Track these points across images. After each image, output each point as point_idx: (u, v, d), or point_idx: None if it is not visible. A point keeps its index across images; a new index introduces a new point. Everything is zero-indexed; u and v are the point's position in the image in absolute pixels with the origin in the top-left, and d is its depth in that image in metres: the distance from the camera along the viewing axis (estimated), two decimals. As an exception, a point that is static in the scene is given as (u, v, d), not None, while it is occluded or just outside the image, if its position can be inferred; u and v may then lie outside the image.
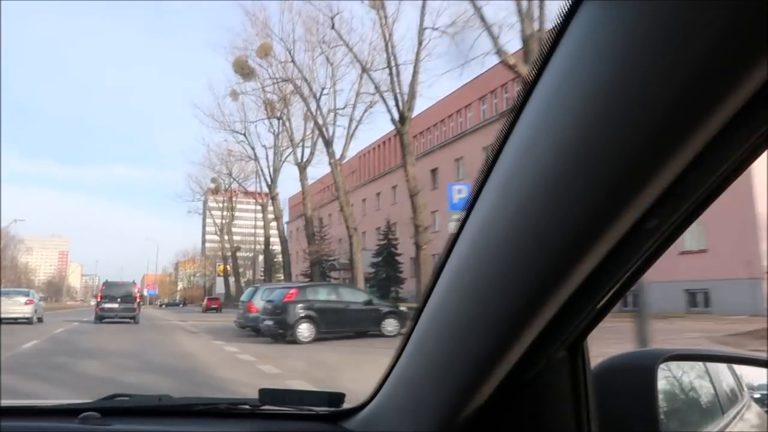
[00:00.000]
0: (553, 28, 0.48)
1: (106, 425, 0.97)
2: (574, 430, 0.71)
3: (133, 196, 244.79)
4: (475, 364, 0.68)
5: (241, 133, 39.06)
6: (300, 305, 11.89)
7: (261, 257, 63.37)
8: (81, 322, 20.83)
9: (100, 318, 20.60)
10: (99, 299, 21.41)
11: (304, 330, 11.71)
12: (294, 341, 11.54)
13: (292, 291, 12.37)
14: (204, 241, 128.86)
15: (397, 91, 21.11)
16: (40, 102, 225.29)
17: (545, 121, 0.51)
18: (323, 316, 11.86)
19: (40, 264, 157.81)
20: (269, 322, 12.20)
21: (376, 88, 22.65)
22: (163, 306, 79.25)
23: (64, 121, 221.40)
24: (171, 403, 1.11)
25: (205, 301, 48.29)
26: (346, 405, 1.04)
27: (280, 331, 11.89)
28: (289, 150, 35.89)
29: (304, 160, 33.66)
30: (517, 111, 0.55)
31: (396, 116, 21.34)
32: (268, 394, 1.06)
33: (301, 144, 34.03)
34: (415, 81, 21.14)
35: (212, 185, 52.81)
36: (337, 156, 27.35)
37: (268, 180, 39.72)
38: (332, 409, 1.04)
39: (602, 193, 0.47)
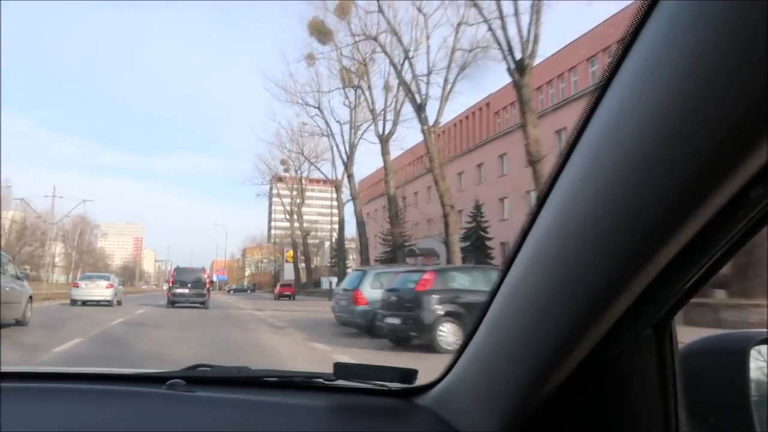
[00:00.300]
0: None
1: (191, 392, 1.04)
2: (660, 413, 0.69)
3: (202, 183, 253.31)
4: (554, 343, 0.65)
5: (314, 107, 36.39)
6: (438, 296, 8.37)
7: (327, 243, 63.75)
8: (155, 306, 21.57)
9: (172, 302, 20.95)
10: (170, 284, 22.01)
11: (448, 333, 8.14)
12: (432, 348, 8.06)
13: (427, 276, 8.64)
14: (270, 227, 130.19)
15: (510, 36, 17.31)
16: (117, 95, 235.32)
17: (637, 93, 0.50)
18: (471, 313, 8.26)
19: (116, 249, 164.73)
20: (393, 320, 8.73)
21: (488, 26, 18.66)
22: (231, 291, 79.14)
23: (137, 113, 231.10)
24: (249, 374, 1.18)
25: (278, 287, 45.25)
26: (418, 382, 1.05)
27: (412, 334, 8.51)
28: (366, 124, 33.65)
29: (386, 132, 30.51)
30: (605, 84, 0.54)
31: (512, 65, 17.61)
32: (342, 369, 1.08)
33: (382, 114, 30.86)
34: (538, 20, 17.25)
35: (282, 167, 50.83)
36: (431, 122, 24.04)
37: (344, 157, 36.87)
38: (405, 385, 1.06)
39: (700, 163, 0.44)
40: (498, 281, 0.76)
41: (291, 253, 63.31)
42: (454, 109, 43.81)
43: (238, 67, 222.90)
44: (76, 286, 21.60)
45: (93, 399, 1.02)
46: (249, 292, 78.86)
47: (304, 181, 56.05)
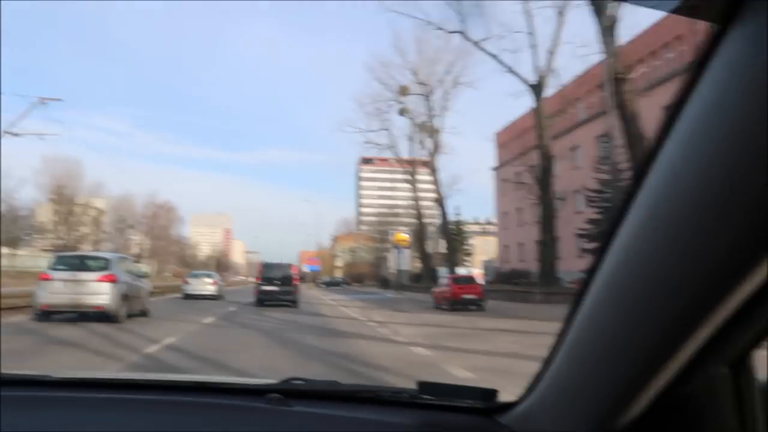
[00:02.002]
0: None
1: (288, 406, 1.16)
2: None
3: (288, 175, 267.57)
4: (628, 375, 0.69)
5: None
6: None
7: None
8: (243, 305, 21.86)
9: (261, 301, 21.16)
10: (258, 281, 22.27)
11: None
12: None
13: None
14: (359, 214, 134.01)
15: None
16: (207, 94, 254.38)
17: (717, 111, 0.52)
18: None
19: (205, 240, 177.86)
20: None
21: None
22: (323, 285, 73.48)
23: (226, 111, 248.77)
24: (340, 389, 1.32)
25: (450, 284, 22.54)
26: (500, 401, 1.14)
27: None
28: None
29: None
30: (682, 100, 0.56)
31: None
32: (426, 386, 1.22)
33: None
34: None
35: (401, 97, 46.09)
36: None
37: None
38: (486, 403, 1.16)
39: None
40: (575, 304, 0.81)
41: (401, 236, 54.59)
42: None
43: (321, 62, 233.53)
44: (187, 282, 26.71)
45: (194, 411, 1.18)
46: (344, 286, 73.82)
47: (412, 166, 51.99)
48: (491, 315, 18.26)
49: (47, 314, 12.16)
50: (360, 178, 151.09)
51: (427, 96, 44.65)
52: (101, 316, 11.99)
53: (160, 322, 12.95)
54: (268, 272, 21.97)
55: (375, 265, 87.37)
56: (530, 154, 33.17)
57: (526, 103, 34.87)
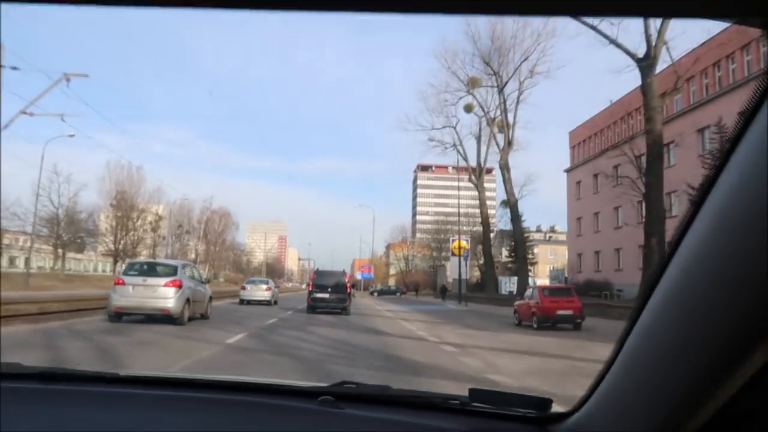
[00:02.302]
0: None
1: (339, 408, 1.21)
2: None
3: (343, 183, 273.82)
4: (688, 386, 0.68)
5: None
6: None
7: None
8: (295, 311, 22.53)
9: (313, 308, 21.51)
10: (310, 288, 22.39)
11: None
12: None
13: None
14: (414, 222, 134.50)
15: None
16: (270, 106, 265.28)
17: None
18: None
19: (261, 247, 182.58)
20: None
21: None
22: (376, 294, 73.11)
23: (287, 122, 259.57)
24: (391, 393, 1.37)
25: (539, 297, 17.86)
26: (553, 410, 1.14)
27: None
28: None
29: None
30: (757, 105, 0.56)
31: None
32: (477, 394, 1.24)
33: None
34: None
35: (471, 89, 43.92)
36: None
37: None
38: (539, 412, 1.17)
39: None
40: (635, 313, 0.82)
41: (460, 243, 54.29)
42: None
43: (375, 75, 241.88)
44: (244, 288, 29.06)
45: (247, 410, 1.24)
46: (398, 295, 71.37)
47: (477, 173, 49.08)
48: (597, 337, 13.71)
49: (119, 316, 13.46)
50: (417, 186, 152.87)
51: (499, 88, 42.35)
52: (166, 318, 13.22)
53: (218, 325, 14.04)
54: (321, 279, 22.16)
55: (430, 273, 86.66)
56: (612, 153, 31.17)
57: (613, 88, 33.30)
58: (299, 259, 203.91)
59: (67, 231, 53.40)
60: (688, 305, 0.67)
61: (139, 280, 13.51)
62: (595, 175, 40.50)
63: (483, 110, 44.25)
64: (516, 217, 42.34)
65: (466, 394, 1.27)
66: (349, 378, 1.52)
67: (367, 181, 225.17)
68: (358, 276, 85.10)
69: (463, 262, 48.92)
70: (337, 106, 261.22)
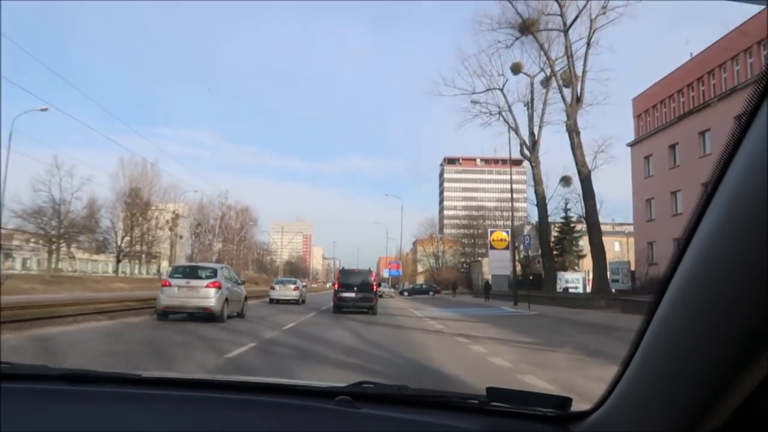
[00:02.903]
0: None
1: (356, 408, 1.28)
2: None
3: (369, 182, 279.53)
4: (708, 384, 0.71)
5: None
6: None
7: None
8: (319, 312, 22.37)
9: (339, 308, 21.77)
10: (336, 288, 22.60)
11: None
12: None
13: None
14: (441, 218, 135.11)
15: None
16: (292, 107, 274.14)
17: None
18: None
19: (285, 246, 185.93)
20: None
21: None
22: (405, 293, 67.83)
23: (310, 122, 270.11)
24: (409, 393, 1.42)
25: None
26: (573, 409, 1.19)
27: None
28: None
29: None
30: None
31: None
32: (495, 393, 1.28)
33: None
34: None
35: (526, 32, 36.36)
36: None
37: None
38: (558, 411, 1.21)
39: None
40: (649, 312, 0.83)
41: (500, 234, 47.72)
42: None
43: (397, 72, 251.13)
44: (273, 288, 31.66)
45: (266, 410, 1.32)
46: (432, 294, 65.01)
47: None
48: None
49: (166, 314, 15.55)
50: (443, 180, 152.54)
51: (565, 27, 34.52)
52: (207, 316, 15.27)
53: (253, 322, 16.01)
54: (347, 278, 22.43)
55: (462, 270, 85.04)
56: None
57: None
58: (324, 258, 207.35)
59: (57, 226, 49.87)
60: (704, 300, 0.69)
61: (183, 281, 15.59)
62: (672, 146, 35.49)
63: (544, 56, 36.69)
64: (589, 194, 34.01)
65: (484, 393, 1.29)
66: None
67: (391, 179, 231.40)
68: (386, 274, 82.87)
69: (507, 256, 44.04)
70: (358, 103, 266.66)
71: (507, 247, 45.67)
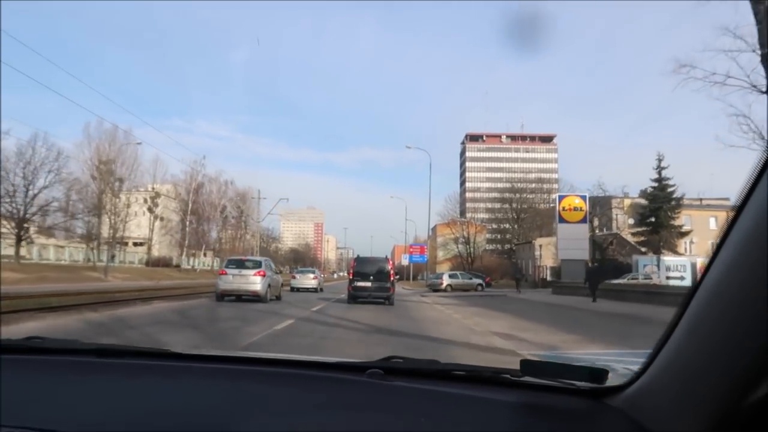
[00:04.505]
0: None
1: (388, 381, 1.46)
2: None
3: (379, 173, 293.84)
4: (752, 359, 0.78)
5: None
6: None
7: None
8: (333, 302, 23.87)
9: (354, 297, 22.80)
10: (351, 276, 23.46)
11: None
12: None
13: None
14: (463, 200, 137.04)
15: None
16: (305, 98, 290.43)
17: None
18: None
19: (295, 234, 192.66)
20: None
21: None
22: (449, 288, 50.19)
23: (322, 113, 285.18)
24: (440, 367, 1.58)
25: None
26: (609, 382, 1.28)
27: None
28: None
29: None
30: None
31: None
32: (529, 365, 1.38)
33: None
34: None
35: None
36: None
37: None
38: (594, 385, 1.31)
39: None
40: (698, 281, 0.88)
41: (573, 201, 38.94)
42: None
43: (407, 62, 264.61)
44: (294, 277, 38.67)
45: (301, 382, 1.49)
46: (480, 289, 48.41)
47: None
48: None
49: (222, 297, 21.95)
50: (465, 159, 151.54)
51: None
52: (254, 298, 21.62)
53: (288, 304, 21.73)
54: (362, 267, 23.19)
55: (505, 255, 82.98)
56: None
57: None
58: (336, 248, 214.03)
59: (23, 207, 46.48)
60: (756, 268, 0.74)
61: (236, 271, 22.12)
62: None
63: None
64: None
65: (518, 367, 1.35)
66: None
67: (405, 165, 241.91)
68: (405, 260, 73.60)
69: (583, 232, 35.58)
70: (373, 93, 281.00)
71: (584, 219, 37.80)
